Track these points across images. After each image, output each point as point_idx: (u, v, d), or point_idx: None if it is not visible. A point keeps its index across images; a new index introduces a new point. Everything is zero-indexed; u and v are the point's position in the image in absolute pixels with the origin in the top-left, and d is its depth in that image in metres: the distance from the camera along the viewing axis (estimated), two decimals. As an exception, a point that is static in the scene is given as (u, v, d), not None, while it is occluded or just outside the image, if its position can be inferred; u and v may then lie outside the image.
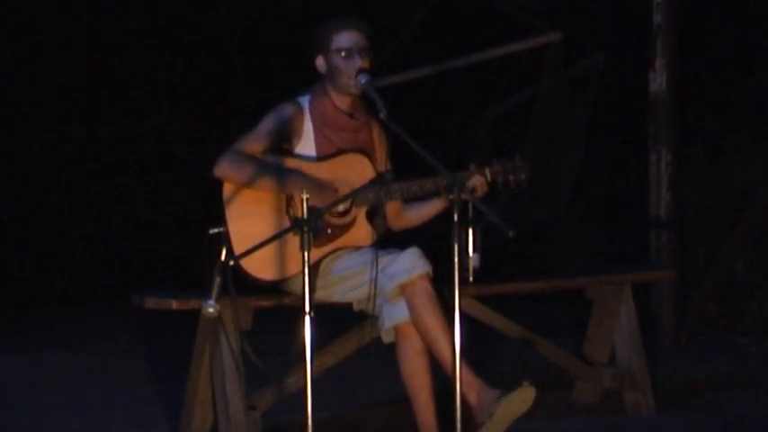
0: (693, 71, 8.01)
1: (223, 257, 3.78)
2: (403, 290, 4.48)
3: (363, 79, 4.52)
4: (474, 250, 4.88)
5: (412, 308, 4.47)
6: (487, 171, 4.66)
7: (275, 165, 4.56)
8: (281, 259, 4.51)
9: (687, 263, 7.45)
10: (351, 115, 4.71)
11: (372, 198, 4.62)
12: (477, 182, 4.63)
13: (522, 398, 4.37)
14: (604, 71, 7.80)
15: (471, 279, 4.87)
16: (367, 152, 4.71)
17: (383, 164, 4.79)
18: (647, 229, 7.31)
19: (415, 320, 4.47)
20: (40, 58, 9.60)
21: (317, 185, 4.51)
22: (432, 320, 4.45)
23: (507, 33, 8.10)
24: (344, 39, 4.62)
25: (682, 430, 5.20)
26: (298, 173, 4.55)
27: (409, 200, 4.75)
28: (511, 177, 4.68)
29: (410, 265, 4.47)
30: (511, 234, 3.69)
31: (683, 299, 7.31)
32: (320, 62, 4.69)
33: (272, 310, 4.65)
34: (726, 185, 7.95)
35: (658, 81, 7.21)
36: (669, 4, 7.19)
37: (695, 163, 8.01)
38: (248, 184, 4.52)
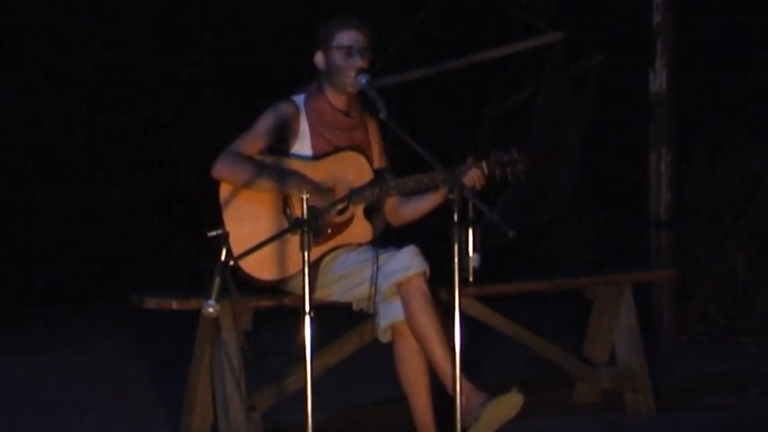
0: (693, 71, 8.00)
1: (223, 258, 3.78)
2: (399, 289, 4.47)
3: (363, 79, 4.52)
4: (474, 250, 4.87)
5: (406, 307, 4.46)
6: (484, 164, 4.64)
7: (273, 165, 4.57)
8: (281, 259, 4.51)
9: (687, 263, 7.45)
10: (346, 113, 4.71)
11: (369, 196, 4.62)
12: (475, 175, 4.61)
13: (510, 403, 4.36)
14: (604, 71, 7.78)
15: (471, 279, 4.87)
16: (363, 149, 4.71)
17: (380, 161, 4.79)
18: (647, 229, 7.31)
19: (409, 320, 4.46)
20: (40, 54, 9.59)
21: (316, 186, 4.52)
22: (425, 321, 4.43)
23: (508, 33, 8.09)
24: (346, 37, 4.62)
25: (682, 430, 5.20)
26: (296, 173, 4.55)
27: (406, 195, 4.75)
28: (508, 170, 4.65)
29: (406, 263, 4.46)
30: (511, 234, 3.70)
31: (683, 299, 7.31)
32: (319, 58, 4.68)
33: (271, 310, 4.65)
34: (726, 185, 7.94)
35: (658, 81, 7.21)
36: (669, 4, 7.19)
37: (695, 163, 8.01)
38: (246, 184, 4.53)
